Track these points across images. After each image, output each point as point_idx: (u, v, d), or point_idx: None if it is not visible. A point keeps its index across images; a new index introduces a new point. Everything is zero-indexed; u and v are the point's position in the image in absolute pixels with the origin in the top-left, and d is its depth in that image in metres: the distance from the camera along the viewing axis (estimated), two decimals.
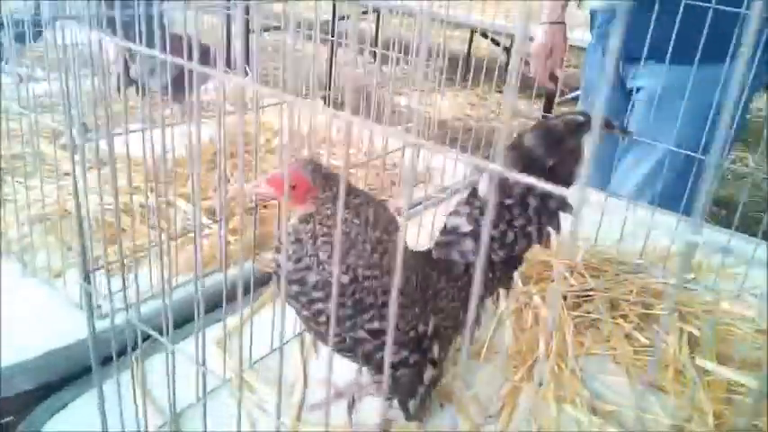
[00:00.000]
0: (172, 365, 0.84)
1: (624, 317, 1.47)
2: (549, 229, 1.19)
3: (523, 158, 1.09)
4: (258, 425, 1.13)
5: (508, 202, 1.13)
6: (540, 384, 1.26)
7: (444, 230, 1.17)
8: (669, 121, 1.75)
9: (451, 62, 1.85)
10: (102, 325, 1.11)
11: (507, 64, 3.84)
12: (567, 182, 1.14)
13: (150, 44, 0.75)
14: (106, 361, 0.93)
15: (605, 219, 1.70)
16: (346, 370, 1.24)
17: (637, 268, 1.69)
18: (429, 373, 1.08)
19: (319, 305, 0.98)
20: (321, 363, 1.31)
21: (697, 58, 1.63)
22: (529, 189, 1.12)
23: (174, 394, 0.84)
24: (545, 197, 1.14)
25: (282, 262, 0.98)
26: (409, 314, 1.03)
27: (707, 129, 1.68)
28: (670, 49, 1.64)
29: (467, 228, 1.14)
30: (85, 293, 0.87)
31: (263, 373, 1.25)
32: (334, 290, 0.57)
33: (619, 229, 1.75)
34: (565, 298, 1.49)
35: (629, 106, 2.06)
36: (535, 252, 1.68)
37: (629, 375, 1.32)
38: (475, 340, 1.36)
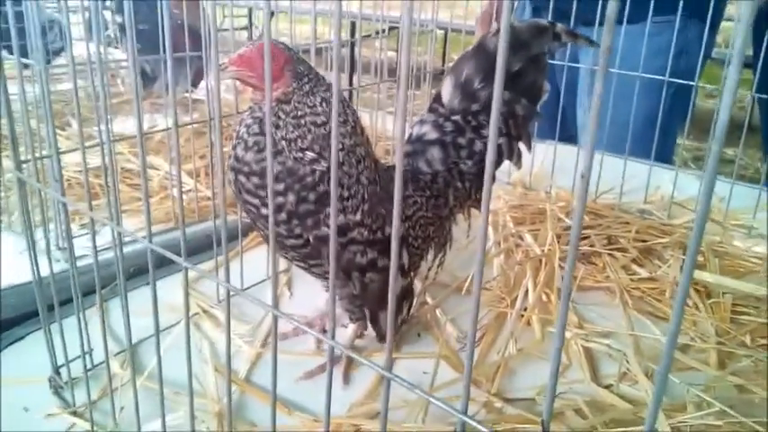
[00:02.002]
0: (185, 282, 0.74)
1: (623, 250, 1.38)
2: (520, 145, 1.14)
3: (488, 62, 1.05)
4: (221, 349, 1.07)
5: (474, 107, 1.08)
6: (525, 309, 1.17)
7: (410, 140, 1.11)
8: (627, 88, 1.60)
9: None
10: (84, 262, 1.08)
11: None
12: (531, 91, 1.10)
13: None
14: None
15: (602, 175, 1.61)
16: (317, 304, 1.18)
17: (640, 214, 1.60)
18: (399, 282, 1.01)
19: (279, 199, 0.88)
20: (294, 301, 1.25)
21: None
22: None
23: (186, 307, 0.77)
24: (512, 103, 1.09)
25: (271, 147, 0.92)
26: (375, 212, 0.94)
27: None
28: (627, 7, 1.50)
29: (433, 135, 1.09)
30: (19, 184, 0.84)
31: (231, 311, 1.19)
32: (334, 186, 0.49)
33: (613, 184, 1.65)
34: (559, 237, 1.40)
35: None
36: (530, 199, 1.61)
37: (624, 304, 1.22)
38: (456, 277, 1.28)
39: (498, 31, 1.07)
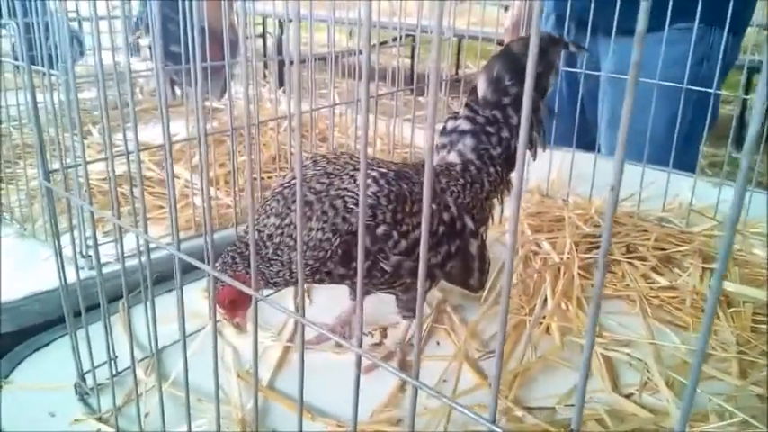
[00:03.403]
0: (212, 289, 0.74)
1: (642, 259, 1.37)
2: (536, 134, 1.21)
3: (514, 63, 1.12)
4: (244, 356, 1.08)
5: (505, 101, 1.14)
6: (544, 317, 1.18)
7: (444, 132, 1.17)
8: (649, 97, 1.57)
9: None
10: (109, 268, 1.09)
11: None
12: (543, 90, 1.18)
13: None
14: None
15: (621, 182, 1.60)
16: (340, 312, 1.19)
17: (659, 222, 1.59)
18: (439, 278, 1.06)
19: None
20: (314, 308, 1.26)
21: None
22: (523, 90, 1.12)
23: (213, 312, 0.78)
24: (535, 100, 1.16)
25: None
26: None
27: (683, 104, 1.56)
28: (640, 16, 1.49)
29: (466, 126, 1.15)
30: (46, 192, 0.85)
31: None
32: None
33: (632, 192, 1.65)
34: (577, 245, 1.41)
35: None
36: (548, 206, 1.62)
37: (644, 313, 1.22)
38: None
39: (522, 38, 1.17)
